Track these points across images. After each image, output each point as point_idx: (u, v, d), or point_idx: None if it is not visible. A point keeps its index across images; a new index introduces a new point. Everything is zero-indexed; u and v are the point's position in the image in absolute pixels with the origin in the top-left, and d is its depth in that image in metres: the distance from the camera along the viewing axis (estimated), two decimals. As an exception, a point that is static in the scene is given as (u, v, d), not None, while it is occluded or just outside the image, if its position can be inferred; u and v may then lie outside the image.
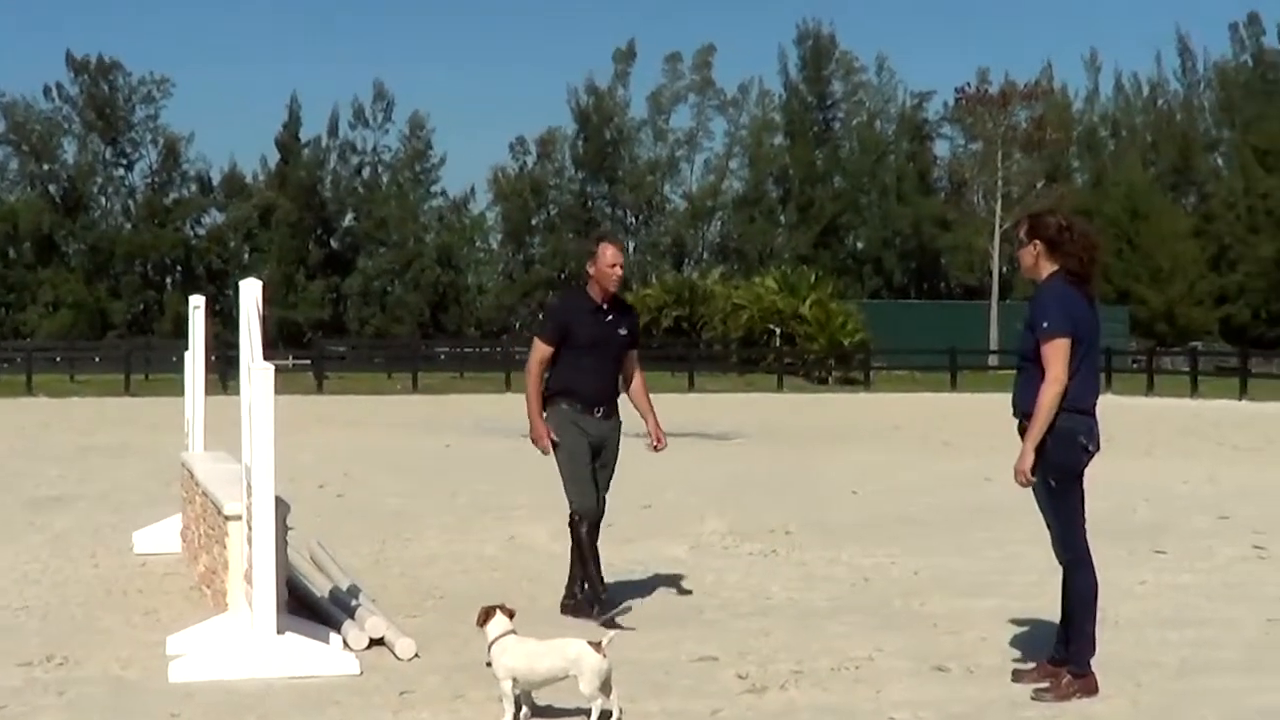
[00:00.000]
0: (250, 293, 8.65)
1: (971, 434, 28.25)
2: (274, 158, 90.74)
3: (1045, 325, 7.82)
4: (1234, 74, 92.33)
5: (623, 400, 10.26)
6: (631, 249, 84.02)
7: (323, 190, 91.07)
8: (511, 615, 7.59)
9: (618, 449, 10.16)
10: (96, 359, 58.39)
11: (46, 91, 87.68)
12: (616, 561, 11.60)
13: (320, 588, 10.17)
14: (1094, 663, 8.04)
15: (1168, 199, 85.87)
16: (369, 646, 8.86)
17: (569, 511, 10.04)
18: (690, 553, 13.03)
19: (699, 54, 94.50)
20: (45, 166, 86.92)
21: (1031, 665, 8.38)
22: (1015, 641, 9.28)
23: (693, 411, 33.88)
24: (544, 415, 10.01)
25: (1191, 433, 29.75)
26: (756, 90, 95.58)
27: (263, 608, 8.26)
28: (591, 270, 10.11)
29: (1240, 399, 43.61)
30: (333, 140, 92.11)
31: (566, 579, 10.31)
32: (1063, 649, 8.10)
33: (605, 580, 10.08)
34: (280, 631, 8.32)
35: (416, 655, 8.75)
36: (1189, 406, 40.90)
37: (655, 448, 10.25)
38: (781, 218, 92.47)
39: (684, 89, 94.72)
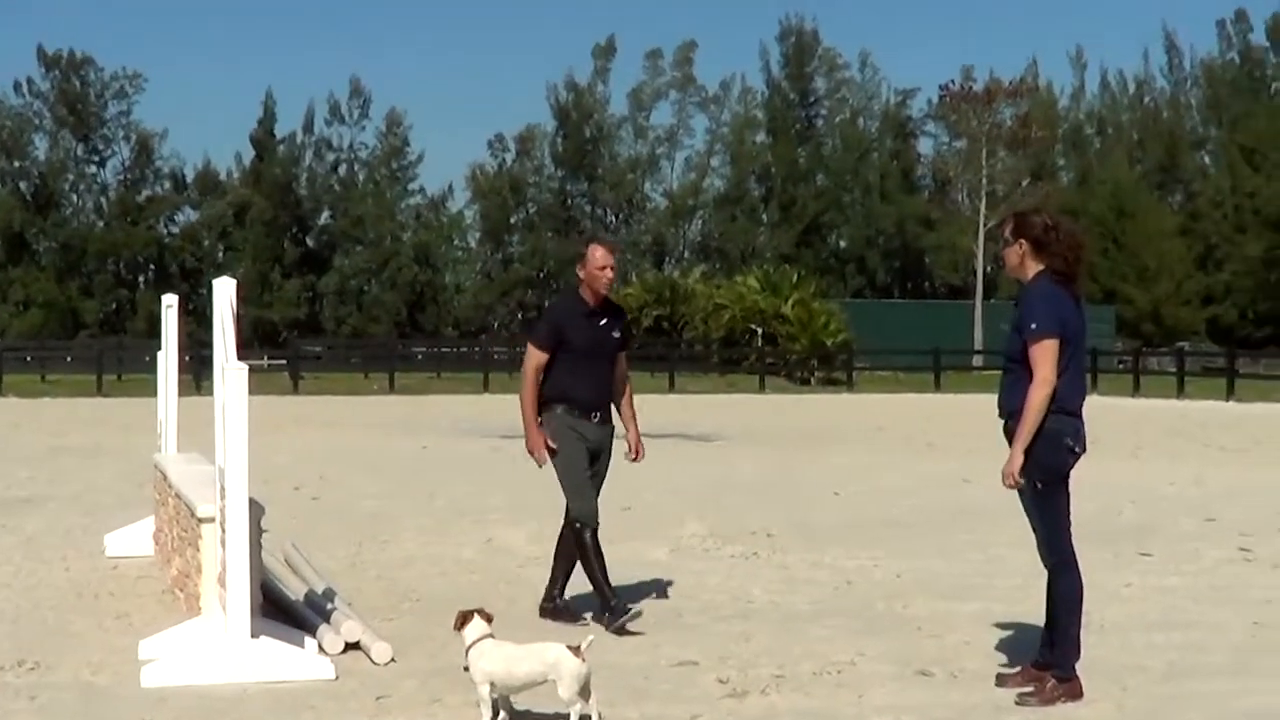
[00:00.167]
0: (224, 291, 8.55)
1: (955, 435, 28.23)
2: (249, 155, 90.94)
3: (1033, 326, 7.77)
4: (1221, 71, 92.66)
5: None
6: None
7: (298, 188, 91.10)
8: (490, 619, 7.52)
9: (610, 455, 10.07)
10: (68, 359, 58.31)
11: (17, 87, 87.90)
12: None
13: (295, 591, 10.08)
14: (1079, 667, 7.99)
15: (1154, 197, 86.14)
16: (345, 651, 8.79)
17: (570, 519, 9.91)
18: (670, 555, 12.96)
19: (680, 50, 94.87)
20: (15, 163, 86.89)
21: (1016, 669, 8.31)
22: (999, 645, 9.23)
23: (673, 412, 33.83)
24: (540, 423, 9.85)
25: (1178, 434, 29.74)
26: (738, 87, 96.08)
27: (236, 611, 8.18)
28: (582, 273, 10.00)
29: (1227, 400, 43.68)
30: (308, 137, 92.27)
31: (547, 582, 10.20)
32: (1047, 653, 8.05)
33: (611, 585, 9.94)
34: (254, 636, 8.25)
35: (393, 660, 8.68)
36: (1175, 407, 40.94)
37: (633, 459, 10.15)
38: (763, 216, 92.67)
39: (665, 85, 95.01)
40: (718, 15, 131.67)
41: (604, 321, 9.99)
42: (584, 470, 9.83)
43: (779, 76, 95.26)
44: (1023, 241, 7.98)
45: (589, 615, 9.95)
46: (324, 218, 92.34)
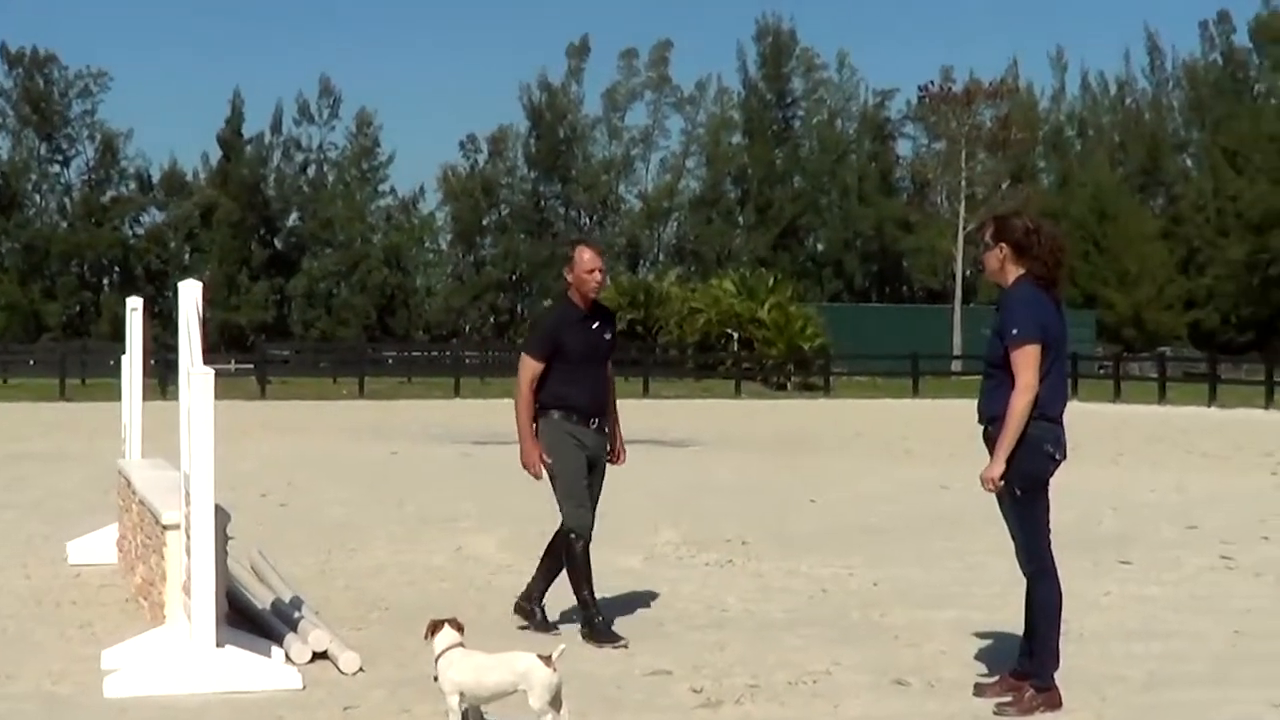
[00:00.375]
0: (190, 294, 8.50)
1: (934, 441, 28.22)
2: (216, 155, 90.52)
3: (1015, 332, 7.74)
4: (1204, 73, 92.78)
5: None
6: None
7: (266, 189, 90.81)
8: (461, 629, 7.45)
9: (605, 468, 9.94)
10: (30, 362, 57.76)
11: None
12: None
13: (262, 599, 10.01)
14: (1058, 676, 7.95)
15: (1136, 200, 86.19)
16: (312, 660, 8.73)
17: (564, 529, 9.74)
18: (644, 563, 12.89)
19: (655, 50, 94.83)
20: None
21: (994, 679, 8.28)
22: (977, 654, 9.18)
23: (648, 418, 33.72)
24: (535, 432, 9.68)
25: (1159, 440, 29.73)
26: (714, 87, 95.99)
27: (201, 620, 8.13)
28: (569, 277, 9.84)
29: (1209, 405, 43.70)
30: (277, 137, 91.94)
31: (530, 581, 10.03)
32: (1026, 662, 8.02)
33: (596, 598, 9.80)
34: (220, 645, 8.22)
35: (361, 669, 8.61)
36: (1157, 413, 40.99)
37: (613, 461, 10.01)
38: (740, 218, 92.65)
39: (640, 86, 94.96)
40: (693, 14, 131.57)
41: (596, 325, 9.86)
42: (582, 479, 9.68)
43: (756, 77, 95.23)
44: (1003, 245, 7.94)
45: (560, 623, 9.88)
46: (292, 219, 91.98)
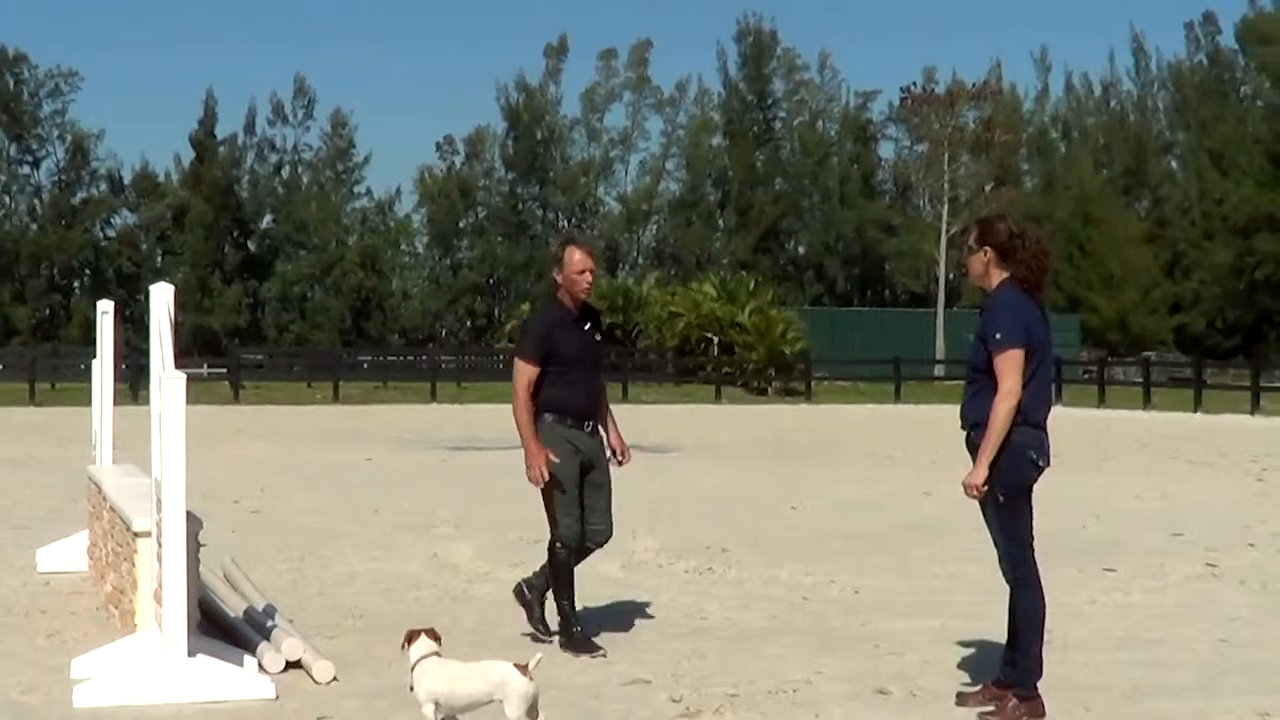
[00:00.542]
0: (162, 297, 8.44)
1: (916, 447, 28.21)
2: (188, 156, 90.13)
3: (998, 336, 7.71)
4: (1189, 74, 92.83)
5: None
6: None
7: (240, 190, 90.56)
8: (438, 638, 7.42)
9: (608, 470, 9.87)
10: (-1, 366, 57.52)
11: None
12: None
13: (234, 608, 9.94)
14: (1041, 685, 7.93)
15: (1120, 203, 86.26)
16: (285, 669, 8.69)
17: (554, 536, 9.65)
18: (622, 570, 12.81)
19: (635, 50, 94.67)
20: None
21: (976, 687, 8.26)
22: (960, 663, 9.15)
23: (626, 423, 33.21)
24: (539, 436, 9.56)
25: (1144, 446, 29.70)
26: (694, 88, 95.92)
27: (173, 629, 8.10)
28: (559, 278, 9.76)
29: (1194, 411, 43.52)
30: (250, 138, 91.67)
31: (533, 571, 9.98)
32: (1009, 670, 7.99)
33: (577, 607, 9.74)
34: (191, 654, 8.19)
35: (335, 678, 8.59)
36: (1141, 419, 40.97)
37: (620, 462, 9.96)
38: (720, 221, 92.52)
39: (619, 87, 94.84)
40: (673, 14, 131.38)
41: (587, 326, 9.81)
42: (575, 487, 9.60)
43: (736, 78, 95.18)
44: (987, 249, 7.91)
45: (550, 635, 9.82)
46: (266, 221, 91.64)
